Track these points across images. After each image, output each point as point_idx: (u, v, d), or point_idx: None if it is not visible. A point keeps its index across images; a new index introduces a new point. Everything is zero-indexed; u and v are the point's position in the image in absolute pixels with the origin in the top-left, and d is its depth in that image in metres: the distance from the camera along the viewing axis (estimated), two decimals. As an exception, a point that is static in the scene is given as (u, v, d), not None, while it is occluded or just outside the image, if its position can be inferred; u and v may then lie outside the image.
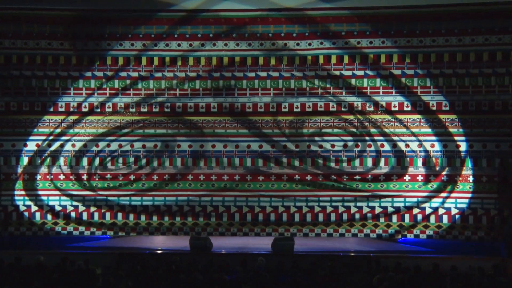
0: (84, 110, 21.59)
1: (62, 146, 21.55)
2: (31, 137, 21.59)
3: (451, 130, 20.80)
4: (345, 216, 21.10)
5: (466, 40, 20.68)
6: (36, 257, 16.56)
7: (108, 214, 21.52)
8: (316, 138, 21.28)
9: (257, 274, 15.24)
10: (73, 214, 21.50)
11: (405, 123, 20.97)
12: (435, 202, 20.89)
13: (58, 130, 21.57)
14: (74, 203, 21.50)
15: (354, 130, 21.15)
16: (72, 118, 21.57)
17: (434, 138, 20.90)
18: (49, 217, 21.47)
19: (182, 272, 15.30)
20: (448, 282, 14.59)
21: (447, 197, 20.84)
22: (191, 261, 16.61)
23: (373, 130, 21.12)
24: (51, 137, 21.59)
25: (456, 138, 20.82)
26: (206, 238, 19.56)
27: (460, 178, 20.76)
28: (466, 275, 15.26)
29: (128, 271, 15.48)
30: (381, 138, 21.09)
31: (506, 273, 16.26)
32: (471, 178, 20.72)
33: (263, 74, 21.33)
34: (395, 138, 21.01)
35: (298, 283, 14.60)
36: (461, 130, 20.78)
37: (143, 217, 21.49)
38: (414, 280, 14.58)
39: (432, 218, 20.87)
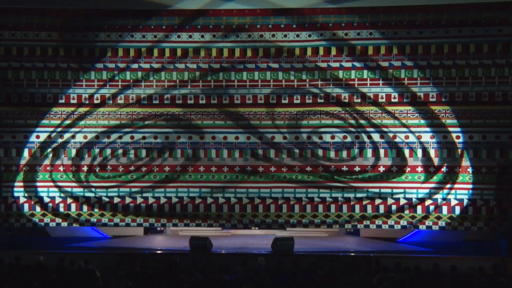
0: (84, 102, 21.25)
1: (62, 138, 21.22)
2: (31, 129, 21.26)
3: (451, 121, 20.50)
4: (344, 208, 20.81)
5: (466, 32, 20.31)
6: (36, 257, 16.28)
7: (108, 206, 21.26)
8: (316, 130, 20.92)
9: (257, 274, 15.01)
10: (73, 206, 21.23)
11: (405, 115, 20.61)
12: (435, 193, 20.64)
13: (59, 122, 21.26)
14: (74, 195, 21.23)
15: (354, 122, 20.81)
16: (73, 110, 21.24)
17: (433, 129, 20.58)
18: (49, 209, 21.22)
19: (182, 272, 15.04)
20: (448, 282, 14.33)
21: (447, 188, 20.56)
22: (191, 261, 16.36)
23: (372, 122, 20.78)
24: (53, 129, 21.27)
25: (456, 129, 20.51)
26: (206, 238, 19.28)
27: (460, 169, 20.48)
28: (466, 275, 15.00)
29: (128, 271, 15.21)
30: (380, 130, 20.75)
31: (506, 273, 15.98)
32: (470, 169, 20.43)
33: (263, 66, 20.97)
34: (394, 129, 20.69)
35: (298, 283, 14.37)
36: (460, 121, 20.45)
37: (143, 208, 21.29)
38: (414, 280, 14.32)
39: (432, 209, 20.62)
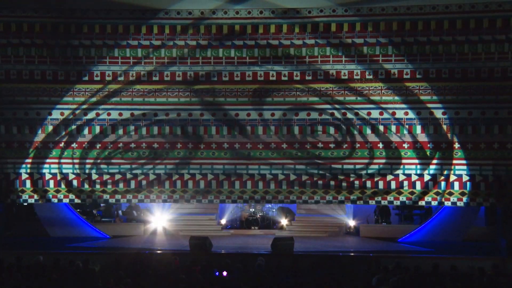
0: (84, 79, 20.44)
1: (62, 114, 20.50)
2: (32, 106, 20.47)
3: (449, 97, 19.66)
4: (344, 184, 20.10)
5: (466, 7, 19.42)
6: (36, 257, 15.86)
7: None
8: (317, 107, 20.10)
9: (257, 274, 14.53)
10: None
11: (404, 91, 19.79)
12: (434, 169, 19.92)
13: (59, 99, 20.45)
14: (76, 171, 20.61)
15: (354, 98, 19.96)
16: (72, 86, 20.45)
17: (433, 105, 19.73)
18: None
19: (182, 272, 14.45)
20: (448, 282, 13.83)
21: (445, 164, 19.83)
22: (191, 261, 15.84)
23: (375, 98, 19.94)
24: (52, 106, 20.49)
25: (455, 105, 19.66)
26: (206, 238, 18.66)
27: (458, 145, 19.66)
28: (466, 275, 14.51)
29: (128, 271, 14.59)
30: (383, 106, 19.92)
31: (506, 273, 15.42)
32: (469, 145, 19.62)
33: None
34: (396, 105, 19.88)
35: (298, 283, 13.84)
36: (460, 97, 19.61)
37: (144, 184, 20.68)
38: (414, 280, 13.76)
39: (431, 185, 19.92)
